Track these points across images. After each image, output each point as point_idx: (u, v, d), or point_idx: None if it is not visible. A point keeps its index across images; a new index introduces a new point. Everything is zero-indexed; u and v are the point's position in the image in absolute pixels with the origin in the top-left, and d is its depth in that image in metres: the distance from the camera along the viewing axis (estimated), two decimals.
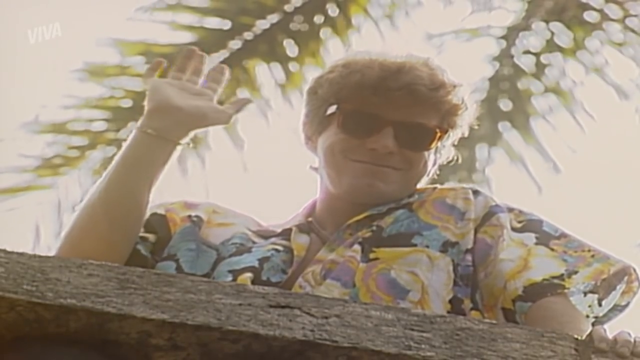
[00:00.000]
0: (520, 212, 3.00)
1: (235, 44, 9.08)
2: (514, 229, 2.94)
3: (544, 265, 2.85)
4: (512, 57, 9.24)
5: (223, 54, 9.06)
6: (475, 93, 9.22)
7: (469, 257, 2.91)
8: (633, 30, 9.01)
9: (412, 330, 2.37)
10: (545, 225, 2.95)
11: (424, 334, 2.37)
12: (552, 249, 2.89)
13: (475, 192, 3.02)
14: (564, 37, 9.14)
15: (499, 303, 2.82)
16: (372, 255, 2.87)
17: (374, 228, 2.94)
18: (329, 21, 9.12)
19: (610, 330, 2.49)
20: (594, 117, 9.23)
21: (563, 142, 9.27)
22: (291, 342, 2.32)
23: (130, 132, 8.77)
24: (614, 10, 9.00)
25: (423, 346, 2.35)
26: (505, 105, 9.26)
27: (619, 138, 9.89)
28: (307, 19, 9.09)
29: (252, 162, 8.92)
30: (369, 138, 2.96)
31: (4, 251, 2.34)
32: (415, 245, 2.90)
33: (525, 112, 9.26)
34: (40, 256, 2.36)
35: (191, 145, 3.04)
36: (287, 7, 9.07)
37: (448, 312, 2.74)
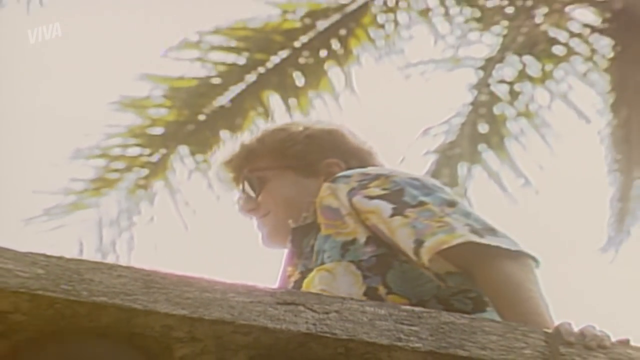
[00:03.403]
0: (388, 178, 2.87)
1: (250, 77, 9.10)
2: (370, 196, 2.83)
3: (403, 236, 2.77)
4: (488, 85, 9.24)
5: (240, 86, 9.08)
6: (457, 117, 9.24)
7: (369, 249, 2.82)
8: (596, 63, 9.01)
9: (402, 324, 2.37)
10: (406, 194, 2.81)
11: (413, 327, 2.36)
12: (406, 217, 2.77)
13: (332, 182, 2.93)
14: (534, 68, 9.15)
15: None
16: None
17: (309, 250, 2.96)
18: (332, 54, 9.13)
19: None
20: (560, 138, 9.25)
21: (533, 160, 9.27)
22: (296, 335, 2.31)
23: (160, 157, 8.85)
24: (578, 44, 9.00)
25: (412, 338, 2.34)
26: (483, 128, 9.26)
27: (582, 156, 9.87)
28: (313, 54, 9.10)
29: None
30: None
31: (44, 255, 2.34)
32: (324, 262, 2.86)
33: (500, 134, 9.26)
34: (76, 259, 2.35)
35: None
36: (296, 44, 9.08)
37: None
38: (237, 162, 3.17)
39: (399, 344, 2.33)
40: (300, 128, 3.16)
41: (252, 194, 3.12)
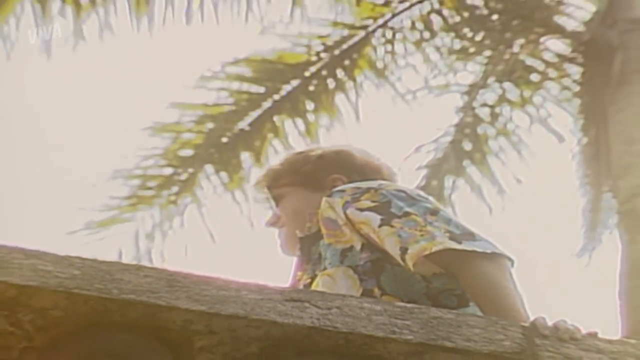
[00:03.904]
0: (377, 191, 2.87)
1: (267, 104, 9.10)
2: (361, 209, 2.83)
3: (390, 244, 2.76)
4: (473, 108, 9.24)
5: (257, 112, 9.09)
6: (445, 136, 9.24)
7: (364, 255, 2.82)
8: (568, 88, 9.01)
9: (396, 318, 2.36)
10: (393, 205, 2.81)
11: (405, 322, 2.35)
12: (392, 226, 2.77)
13: (329, 197, 2.93)
14: (513, 93, 9.15)
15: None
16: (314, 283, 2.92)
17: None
18: (338, 82, 9.14)
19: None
20: (536, 155, 9.25)
21: (511, 175, 9.27)
22: (302, 328, 2.30)
23: (189, 175, 8.83)
24: (552, 72, 9.00)
25: (404, 331, 2.34)
26: (467, 146, 9.26)
27: (556, 172, 9.87)
28: (321, 82, 9.11)
29: None
30: None
31: (80, 258, 2.34)
32: (325, 268, 2.88)
33: (482, 152, 9.26)
34: (108, 261, 2.35)
35: None
36: (306, 73, 9.08)
37: None
38: (265, 183, 3.20)
39: (393, 336, 2.32)
40: (316, 151, 3.19)
41: (275, 209, 3.15)
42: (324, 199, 2.92)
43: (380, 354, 2.34)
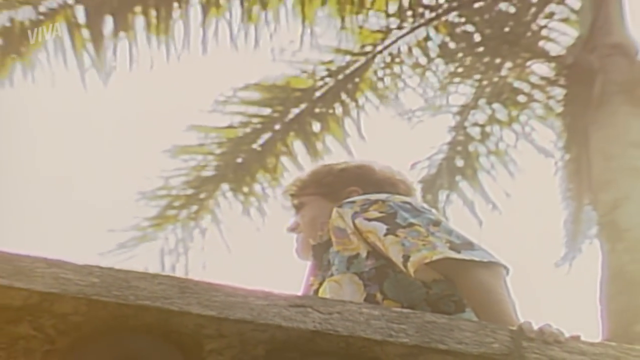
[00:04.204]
0: (384, 203, 2.87)
1: (277, 126, 9.10)
2: (369, 219, 2.83)
3: (394, 252, 2.76)
4: (464, 127, 9.23)
5: (269, 134, 9.10)
6: (439, 154, 9.23)
7: (370, 262, 2.82)
8: (552, 108, 9.01)
9: (393, 323, 2.35)
10: (399, 216, 2.82)
11: (401, 326, 2.34)
12: (397, 236, 2.77)
13: (339, 207, 2.93)
14: (501, 113, 9.14)
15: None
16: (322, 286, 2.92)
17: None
18: (342, 104, 9.15)
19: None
20: (523, 171, 9.24)
21: (500, 189, 9.26)
22: (305, 332, 2.30)
23: (207, 194, 8.81)
24: (538, 94, 9.00)
25: (400, 334, 2.33)
26: (459, 162, 9.25)
27: (541, 185, 9.85)
28: (327, 104, 9.13)
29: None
30: None
31: (99, 267, 2.33)
32: (332, 275, 2.88)
33: (473, 168, 9.25)
34: (124, 270, 2.34)
35: None
36: (313, 97, 9.10)
37: None
38: (291, 191, 3.20)
39: (390, 339, 2.32)
40: (340, 165, 3.18)
41: (296, 216, 3.16)
42: (335, 209, 2.92)
43: (378, 356, 2.33)
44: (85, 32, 8.51)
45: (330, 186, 3.09)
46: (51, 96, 8.68)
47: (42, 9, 8.43)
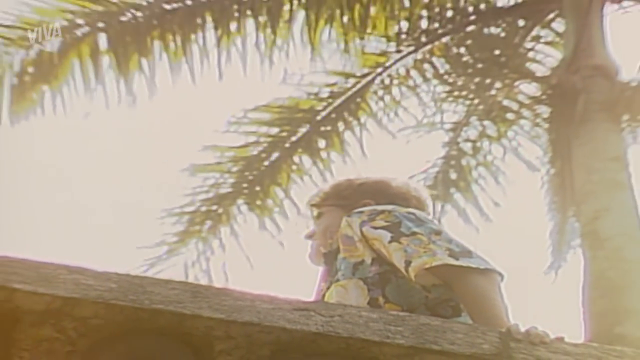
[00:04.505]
0: (390, 213, 2.87)
1: (286, 144, 9.10)
2: (376, 227, 2.84)
3: (397, 258, 2.77)
4: (457, 143, 9.22)
5: (278, 152, 9.10)
6: (434, 167, 9.23)
7: (374, 268, 2.82)
8: (538, 125, 9.00)
9: (390, 325, 2.34)
10: (403, 226, 2.83)
11: (398, 328, 2.33)
12: (400, 243, 2.77)
13: (348, 217, 2.93)
14: (491, 129, 9.14)
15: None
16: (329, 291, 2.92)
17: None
18: (346, 123, 9.15)
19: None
20: (512, 183, 9.24)
21: (490, 200, 9.25)
22: (307, 334, 2.29)
23: (223, 209, 8.78)
24: (525, 112, 8.99)
25: (397, 336, 2.32)
26: (453, 175, 9.24)
27: (528, 196, 9.84)
28: (331, 123, 9.13)
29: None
30: None
31: (116, 273, 2.33)
32: (338, 280, 2.87)
33: (466, 180, 9.24)
34: (140, 276, 2.34)
35: None
36: (318, 117, 9.10)
37: None
38: (314, 201, 3.20)
39: (387, 340, 2.31)
40: (360, 179, 3.18)
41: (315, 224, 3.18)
42: (344, 218, 2.93)
43: (376, 357, 2.32)
44: (107, 58, 8.52)
45: (348, 199, 3.08)
46: (74, 118, 8.66)
47: (67, 38, 8.43)
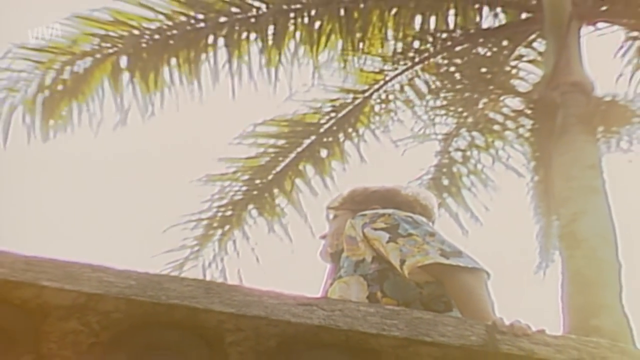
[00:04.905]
0: (390, 216, 2.88)
1: (292, 154, 9.10)
2: (376, 228, 2.85)
3: (393, 256, 2.77)
4: (449, 152, 9.20)
5: (285, 161, 9.09)
6: (427, 174, 9.21)
7: (374, 266, 2.83)
8: (522, 136, 8.98)
9: (386, 319, 2.33)
10: (400, 228, 2.83)
11: (393, 321, 2.33)
12: (397, 243, 2.78)
13: (352, 219, 2.94)
14: (480, 140, 9.12)
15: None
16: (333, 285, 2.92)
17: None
18: (346, 134, 9.14)
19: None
20: (499, 188, 9.22)
21: (480, 204, 9.23)
22: (311, 327, 2.28)
23: (237, 214, 8.71)
24: (509, 124, 8.97)
25: (392, 329, 2.31)
26: (445, 182, 9.22)
27: (514, 201, 9.81)
28: (333, 135, 9.12)
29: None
30: None
31: (136, 271, 2.32)
32: (341, 277, 2.88)
33: (457, 186, 9.22)
34: (158, 274, 2.33)
35: None
36: (321, 130, 9.09)
37: None
38: (332, 205, 3.20)
39: (384, 332, 2.30)
40: (374, 187, 3.16)
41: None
42: (349, 220, 2.94)
43: (374, 347, 2.31)
44: (126, 76, 8.52)
45: (361, 204, 3.07)
46: (96, 132, 8.66)
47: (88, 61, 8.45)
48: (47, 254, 2.29)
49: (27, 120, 8.39)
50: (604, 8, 8.63)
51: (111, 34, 8.39)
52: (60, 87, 8.44)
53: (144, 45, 8.46)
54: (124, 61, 8.50)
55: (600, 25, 8.72)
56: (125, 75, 8.51)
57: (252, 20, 8.55)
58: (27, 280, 2.21)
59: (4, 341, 2.20)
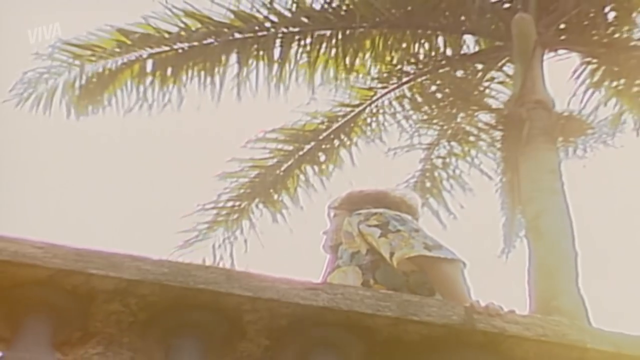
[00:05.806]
0: (381, 215, 2.88)
1: (294, 157, 9.08)
2: (369, 225, 2.85)
3: (384, 249, 2.78)
4: (431, 159, 9.19)
5: (288, 163, 9.08)
6: (412, 178, 9.20)
7: (368, 257, 2.83)
8: (493, 145, 8.97)
9: (380, 301, 2.33)
10: (390, 225, 2.83)
11: (386, 303, 2.33)
12: (387, 238, 2.79)
13: (349, 217, 2.94)
14: (457, 149, 9.12)
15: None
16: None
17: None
18: (342, 142, 9.13)
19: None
20: (473, 190, 9.21)
21: (457, 203, 9.22)
22: (316, 308, 2.28)
23: (245, 205, 8.67)
24: (483, 135, 8.97)
25: (386, 310, 2.32)
26: (428, 185, 9.21)
27: (486, 201, 9.79)
28: (330, 142, 9.10)
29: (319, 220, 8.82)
30: None
31: (169, 261, 2.33)
32: (339, 266, 2.88)
33: (438, 188, 9.21)
34: (187, 263, 2.34)
35: None
36: (320, 137, 9.08)
37: None
38: (333, 204, 3.18)
39: (378, 313, 2.31)
40: (368, 190, 3.15)
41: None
42: (346, 218, 2.95)
43: (369, 326, 2.32)
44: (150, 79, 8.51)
45: (356, 204, 3.07)
46: (121, 129, 8.63)
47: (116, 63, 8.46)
48: (93, 245, 2.30)
49: (65, 101, 8.39)
50: (563, 37, 8.64)
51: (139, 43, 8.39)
52: (94, 80, 8.46)
53: (170, 54, 8.46)
54: (149, 65, 8.50)
55: (560, 51, 8.73)
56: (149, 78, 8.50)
57: (261, 40, 8.53)
58: (77, 269, 2.22)
59: (58, 321, 2.21)
